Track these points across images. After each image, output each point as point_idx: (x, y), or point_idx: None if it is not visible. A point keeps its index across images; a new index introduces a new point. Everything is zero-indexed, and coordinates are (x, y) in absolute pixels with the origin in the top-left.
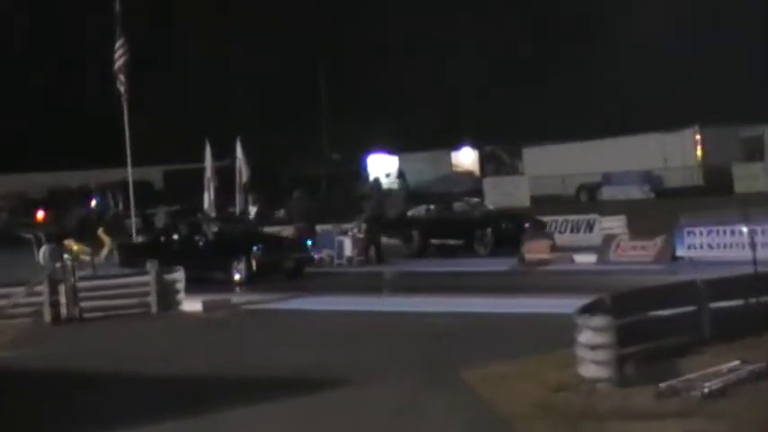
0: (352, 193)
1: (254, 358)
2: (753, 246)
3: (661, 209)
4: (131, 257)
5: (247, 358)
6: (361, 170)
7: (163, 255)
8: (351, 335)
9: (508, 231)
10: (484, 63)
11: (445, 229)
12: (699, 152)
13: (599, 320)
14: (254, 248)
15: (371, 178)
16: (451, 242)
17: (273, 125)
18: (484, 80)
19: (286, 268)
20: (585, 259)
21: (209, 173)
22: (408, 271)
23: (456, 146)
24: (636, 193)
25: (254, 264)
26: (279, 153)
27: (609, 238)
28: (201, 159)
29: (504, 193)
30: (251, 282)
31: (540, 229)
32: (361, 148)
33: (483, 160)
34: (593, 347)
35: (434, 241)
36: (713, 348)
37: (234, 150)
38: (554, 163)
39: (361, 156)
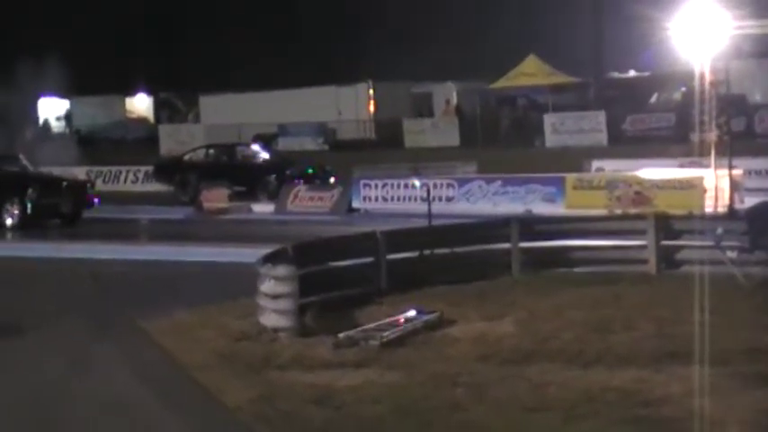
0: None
1: None
2: (427, 200)
3: (335, 161)
4: None
5: None
6: (31, 113)
7: None
8: (22, 281)
9: (293, 178)
10: (160, 7)
11: (227, 174)
12: (371, 106)
13: (282, 270)
14: (29, 190)
15: (41, 122)
16: (234, 188)
17: None
18: (163, 26)
19: (64, 213)
20: (263, 209)
21: None
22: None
23: (130, 91)
24: (310, 144)
25: (29, 207)
26: None
27: (286, 188)
28: None
29: (180, 141)
30: (24, 227)
31: (326, 176)
32: (33, 91)
33: (158, 107)
34: (275, 297)
35: None
36: (390, 299)
37: None
38: (231, 112)
39: (32, 99)
